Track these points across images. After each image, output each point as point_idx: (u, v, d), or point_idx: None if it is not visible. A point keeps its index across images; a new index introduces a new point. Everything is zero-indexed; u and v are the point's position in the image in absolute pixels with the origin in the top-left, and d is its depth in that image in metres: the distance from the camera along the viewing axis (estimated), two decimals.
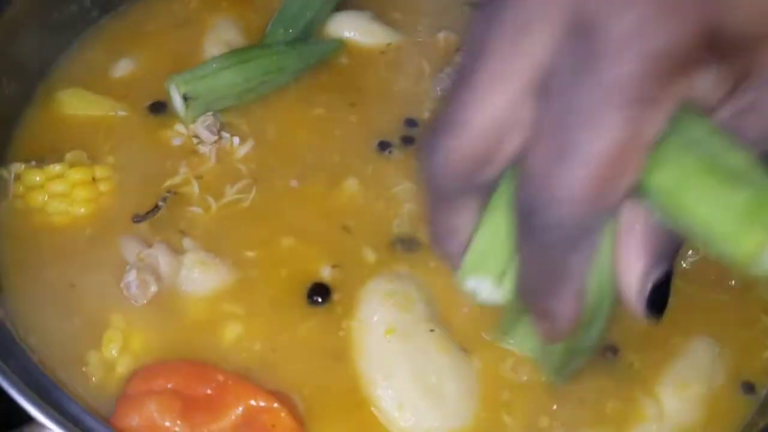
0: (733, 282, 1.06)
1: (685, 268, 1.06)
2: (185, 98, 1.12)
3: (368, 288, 1.00)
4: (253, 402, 0.83)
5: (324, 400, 0.92)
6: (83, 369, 0.91)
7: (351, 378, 0.93)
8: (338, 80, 1.23)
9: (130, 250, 1.01)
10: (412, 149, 1.15)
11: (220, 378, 0.85)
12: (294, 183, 1.10)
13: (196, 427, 0.82)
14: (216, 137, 1.12)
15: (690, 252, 1.06)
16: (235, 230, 1.05)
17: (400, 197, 1.10)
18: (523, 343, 0.94)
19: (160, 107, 1.16)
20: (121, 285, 0.97)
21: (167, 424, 0.82)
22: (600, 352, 0.97)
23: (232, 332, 0.96)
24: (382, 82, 1.24)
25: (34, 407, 0.77)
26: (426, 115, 1.19)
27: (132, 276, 0.97)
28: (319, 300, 0.99)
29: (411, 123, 1.18)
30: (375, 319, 0.97)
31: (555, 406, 0.93)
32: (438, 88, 1.24)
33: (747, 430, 0.90)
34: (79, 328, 0.95)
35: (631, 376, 0.96)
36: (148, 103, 1.16)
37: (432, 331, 0.97)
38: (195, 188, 1.08)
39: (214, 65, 1.16)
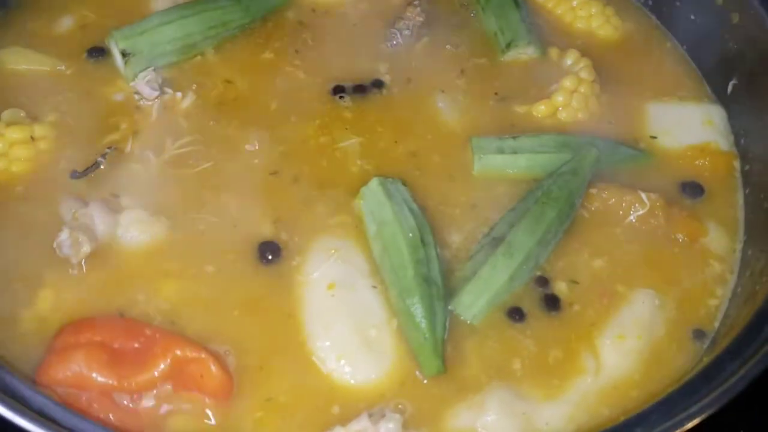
0: (680, 236, 1.05)
1: (631, 222, 1.05)
2: (124, 54, 1.10)
3: (312, 243, 0.99)
4: (179, 353, 0.83)
5: (263, 352, 0.91)
6: (15, 326, 0.90)
7: (291, 331, 0.92)
8: (284, 34, 1.20)
9: (67, 208, 0.99)
10: (364, 104, 1.13)
11: (148, 332, 0.85)
12: (236, 136, 1.08)
13: (124, 378, 0.82)
14: (158, 93, 1.10)
15: (635, 206, 1.05)
16: (176, 187, 1.03)
17: (348, 150, 1.09)
18: (465, 309, 0.94)
19: (98, 53, 1.14)
20: (54, 245, 0.95)
21: (94, 375, 0.81)
22: (546, 301, 0.97)
23: (168, 289, 0.94)
24: (329, 37, 1.21)
25: None
26: (383, 73, 1.17)
27: (65, 235, 0.95)
28: (270, 257, 0.97)
29: (376, 82, 1.16)
30: (317, 274, 0.97)
31: (500, 356, 0.92)
32: (389, 44, 1.22)
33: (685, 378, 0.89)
34: (11, 286, 0.93)
35: (574, 327, 0.95)
36: (87, 48, 1.15)
37: (374, 287, 0.96)
38: (135, 145, 1.06)
39: (156, 20, 1.14)
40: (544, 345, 0.94)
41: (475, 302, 0.95)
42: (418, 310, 0.92)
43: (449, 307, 0.94)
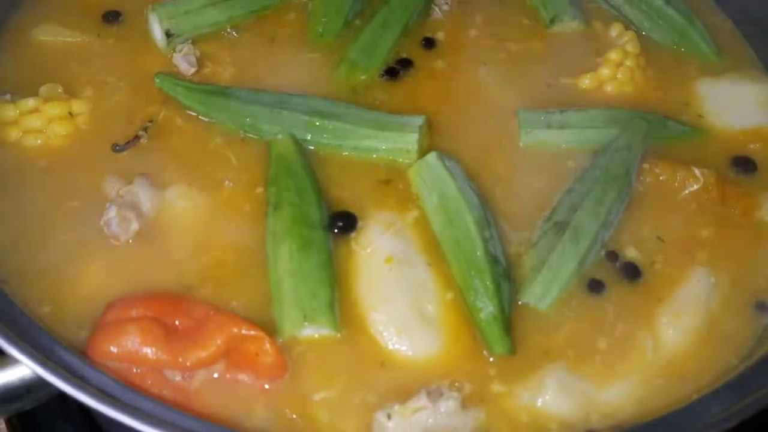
0: (734, 212, 1.02)
1: (684, 197, 1.03)
2: (168, 34, 1.08)
3: (368, 216, 0.96)
4: (235, 330, 0.80)
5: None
6: (62, 305, 0.88)
7: (347, 306, 0.90)
8: None
9: (110, 185, 0.97)
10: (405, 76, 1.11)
11: (201, 308, 0.82)
12: None
13: (179, 355, 0.79)
14: (195, 68, 1.07)
15: (688, 181, 1.02)
16: (221, 160, 1.00)
17: None
18: (539, 300, 0.92)
19: (113, 17, 1.13)
20: (101, 222, 0.93)
21: (148, 350, 0.78)
22: (623, 275, 0.95)
23: (217, 265, 0.91)
24: None
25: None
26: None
27: (112, 213, 0.92)
28: (341, 225, 0.94)
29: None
30: (375, 247, 0.94)
31: (560, 335, 0.91)
32: (438, 9, 1.19)
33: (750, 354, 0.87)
34: (58, 264, 0.91)
35: (635, 304, 0.93)
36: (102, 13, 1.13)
37: (429, 264, 0.93)
38: (177, 118, 1.03)
39: (199, 2, 1.10)
40: (603, 324, 0.92)
41: (547, 292, 0.92)
42: (489, 289, 0.89)
43: (522, 300, 0.92)
